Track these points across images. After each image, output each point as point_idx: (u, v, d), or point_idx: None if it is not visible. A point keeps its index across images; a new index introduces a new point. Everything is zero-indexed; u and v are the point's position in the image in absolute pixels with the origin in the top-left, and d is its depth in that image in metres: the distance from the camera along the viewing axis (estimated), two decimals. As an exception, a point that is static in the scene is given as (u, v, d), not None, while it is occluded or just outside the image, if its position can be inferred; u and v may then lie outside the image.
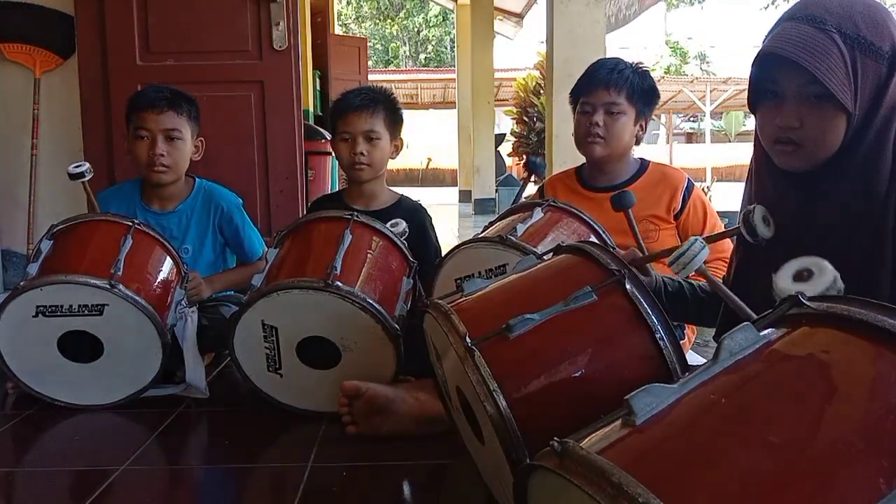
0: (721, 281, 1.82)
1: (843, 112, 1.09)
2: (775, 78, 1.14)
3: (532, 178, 1.78)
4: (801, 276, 0.89)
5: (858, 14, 1.10)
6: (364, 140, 2.04)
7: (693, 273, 1.06)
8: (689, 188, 1.99)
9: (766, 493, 0.56)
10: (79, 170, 1.93)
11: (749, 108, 1.24)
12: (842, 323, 0.70)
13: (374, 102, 2.05)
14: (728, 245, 1.70)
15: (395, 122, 2.10)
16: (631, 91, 1.94)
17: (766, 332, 0.74)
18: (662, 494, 0.55)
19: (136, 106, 2.12)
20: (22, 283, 1.65)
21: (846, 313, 0.70)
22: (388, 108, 2.08)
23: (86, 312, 1.65)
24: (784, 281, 0.90)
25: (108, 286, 1.63)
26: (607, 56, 2.26)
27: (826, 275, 0.86)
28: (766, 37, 1.15)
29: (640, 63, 2.04)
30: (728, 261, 1.44)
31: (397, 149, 2.15)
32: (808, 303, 0.73)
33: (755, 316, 0.95)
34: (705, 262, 1.96)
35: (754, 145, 1.26)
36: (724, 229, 1.84)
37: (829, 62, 1.06)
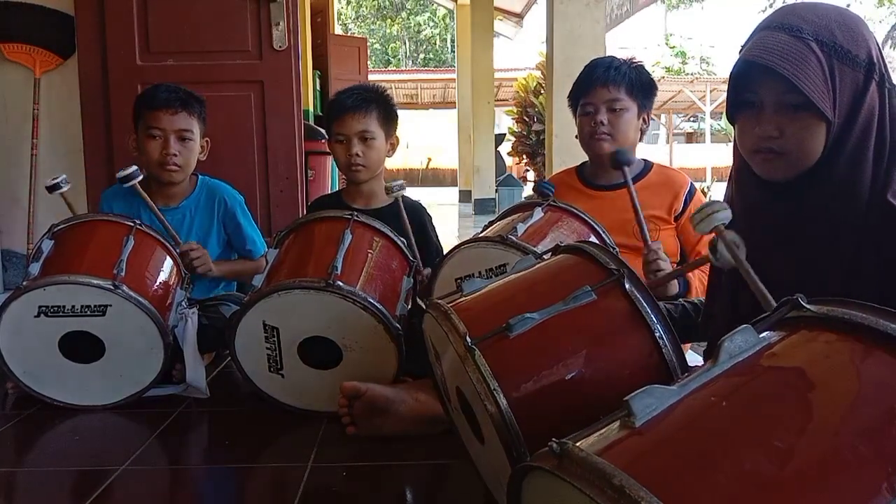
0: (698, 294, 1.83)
1: (822, 120, 1.09)
2: (753, 88, 1.14)
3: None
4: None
5: (834, 23, 1.10)
6: (359, 141, 2.03)
7: (710, 231, 1.06)
8: (692, 192, 2.01)
9: (769, 497, 0.56)
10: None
11: (727, 118, 1.24)
12: (841, 326, 0.70)
13: (367, 102, 2.05)
14: None
15: (389, 121, 2.09)
16: (630, 86, 1.95)
17: (764, 334, 0.74)
18: (664, 497, 0.55)
19: (149, 105, 2.13)
20: (24, 283, 1.65)
21: (846, 317, 0.69)
22: (382, 106, 2.07)
23: (88, 313, 1.65)
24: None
25: (111, 287, 1.63)
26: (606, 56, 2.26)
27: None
28: (743, 47, 1.15)
29: (634, 58, 2.04)
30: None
31: (393, 147, 2.15)
32: (807, 306, 0.73)
33: (770, 297, 0.95)
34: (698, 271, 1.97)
35: (733, 154, 1.26)
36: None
37: (807, 70, 1.06)
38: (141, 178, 1.99)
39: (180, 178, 2.17)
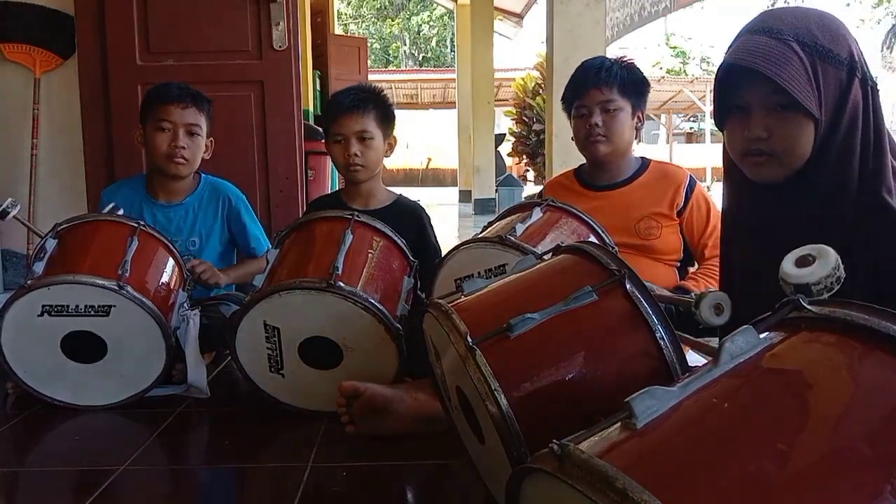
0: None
1: (809, 119, 1.11)
2: (739, 91, 1.16)
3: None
4: (805, 261, 0.90)
5: (814, 24, 1.12)
6: (357, 141, 2.03)
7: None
8: (692, 185, 2.00)
9: (771, 498, 0.56)
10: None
11: (716, 125, 1.25)
12: (842, 327, 0.70)
13: (365, 102, 2.05)
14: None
15: (387, 121, 2.09)
16: (623, 86, 1.95)
17: (765, 335, 0.74)
18: (667, 500, 0.54)
19: (160, 99, 2.16)
20: (29, 282, 1.65)
21: (847, 318, 0.69)
22: (379, 106, 2.07)
23: (92, 313, 1.66)
24: (788, 266, 0.91)
25: (116, 287, 1.63)
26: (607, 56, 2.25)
27: (828, 259, 0.88)
28: (727, 51, 1.16)
29: (624, 57, 2.04)
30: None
31: (391, 147, 2.15)
32: (808, 307, 0.73)
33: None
34: (707, 261, 1.96)
35: (723, 158, 1.27)
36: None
37: (790, 69, 1.08)
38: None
39: (186, 172, 2.19)
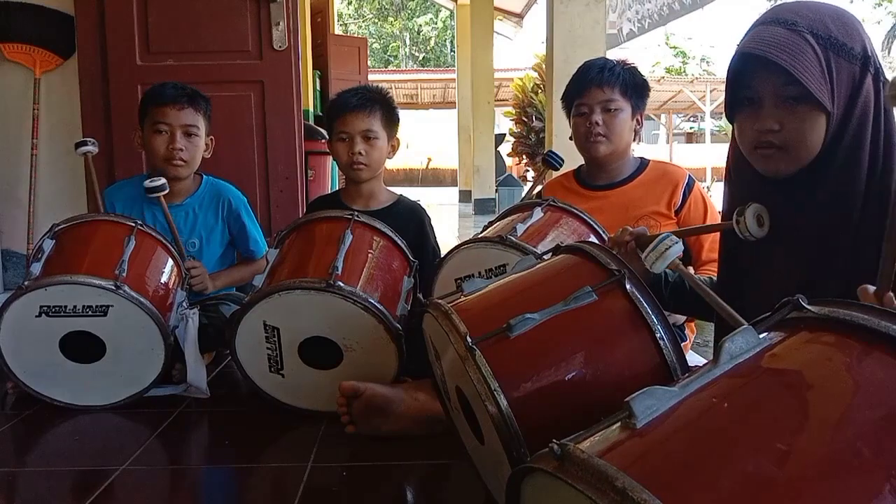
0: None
1: (821, 112, 1.10)
2: (751, 82, 1.15)
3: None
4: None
5: (828, 17, 1.12)
6: (362, 140, 2.04)
7: (666, 267, 1.09)
8: (690, 184, 2.00)
9: (771, 498, 0.55)
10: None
11: (727, 117, 1.24)
12: (842, 327, 0.70)
13: (371, 102, 2.05)
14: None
15: (391, 122, 2.10)
16: (624, 87, 1.95)
17: (765, 335, 0.74)
18: (667, 499, 0.54)
19: (156, 100, 2.16)
20: (26, 283, 1.65)
21: (847, 318, 0.69)
22: (385, 107, 2.08)
23: (90, 313, 1.65)
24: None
25: (113, 287, 1.63)
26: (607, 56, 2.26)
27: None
28: (739, 43, 1.16)
29: (627, 60, 2.05)
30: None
31: (394, 148, 2.15)
32: (808, 307, 0.73)
33: (732, 311, 0.96)
34: (703, 266, 1.97)
35: (729, 153, 1.26)
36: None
37: (804, 61, 1.07)
38: (167, 191, 2.01)
39: (186, 174, 2.19)
